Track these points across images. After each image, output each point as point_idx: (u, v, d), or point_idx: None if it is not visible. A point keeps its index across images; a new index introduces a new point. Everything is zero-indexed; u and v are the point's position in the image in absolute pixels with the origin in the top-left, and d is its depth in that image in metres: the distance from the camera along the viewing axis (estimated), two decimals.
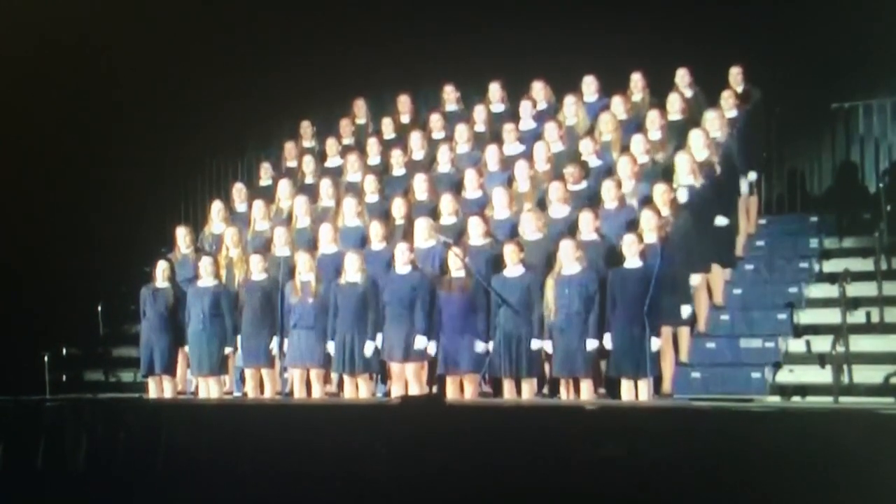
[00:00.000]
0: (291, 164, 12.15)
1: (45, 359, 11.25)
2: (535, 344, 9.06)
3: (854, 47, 11.29)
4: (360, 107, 12.52)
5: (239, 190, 11.86)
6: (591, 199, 9.80)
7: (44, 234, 12.64)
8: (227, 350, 10.19)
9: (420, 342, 9.39)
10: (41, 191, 12.80)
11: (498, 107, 11.63)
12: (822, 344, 9.15)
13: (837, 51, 11.39)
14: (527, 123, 11.17)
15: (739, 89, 10.98)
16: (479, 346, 9.25)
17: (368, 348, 9.55)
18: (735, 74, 11.04)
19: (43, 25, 12.62)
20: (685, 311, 9.14)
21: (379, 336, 9.55)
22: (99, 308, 12.29)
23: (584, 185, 10.04)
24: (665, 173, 9.84)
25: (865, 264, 10.05)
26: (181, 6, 13.15)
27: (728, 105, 10.73)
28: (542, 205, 9.96)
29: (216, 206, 11.41)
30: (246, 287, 10.20)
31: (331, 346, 9.70)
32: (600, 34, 11.71)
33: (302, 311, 9.80)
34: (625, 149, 10.22)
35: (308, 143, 12.44)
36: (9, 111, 12.27)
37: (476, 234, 9.68)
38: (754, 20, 11.55)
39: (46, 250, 12.57)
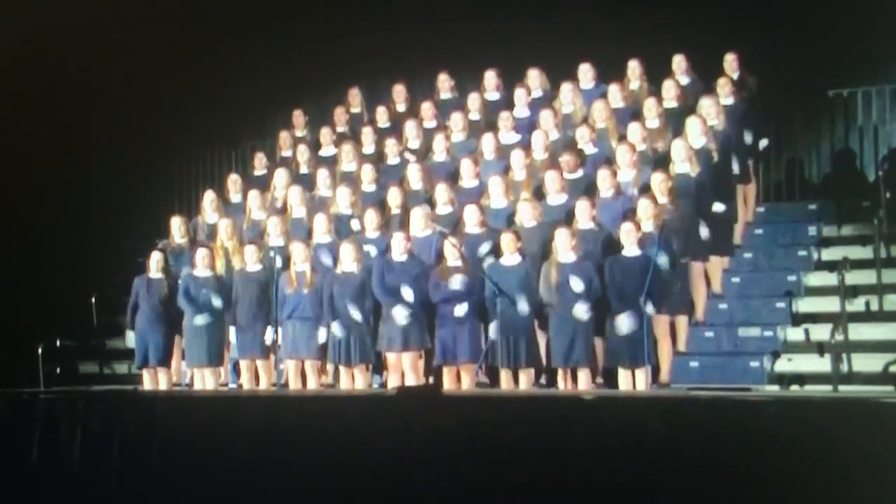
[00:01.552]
0: (286, 153, 12.08)
1: (39, 351, 11.20)
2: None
3: (852, 34, 11.23)
4: (354, 95, 12.46)
5: (234, 181, 11.77)
6: (588, 188, 9.74)
7: (37, 225, 12.56)
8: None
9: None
10: (34, 181, 12.72)
11: (493, 95, 11.56)
12: (820, 332, 9.13)
13: (835, 37, 11.32)
14: (521, 111, 11.10)
15: (735, 76, 10.89)
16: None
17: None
18: (730, 61, 10.94)
19: (38, 16, 12.54)
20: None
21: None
22: (93, 299, 12.22)
23: (580, 173, 9.97)
24: (662, 161, 9.79)
25: (864, 252, 10.02)
26: None
27: (724, 92, 10.65)
28: (538, 193, 9.91)
29: (209, 196, 11.33)
30: (241, 278, 10.14)
31: (326, 335, 9.64)
32: (597, 21, 11.64)
33: (297, 302, 9.74)
34: (621, 137, 10.15)
35: (300, 132, 12.37)
36: (1, 103, 12.19)
37: (472, 222, 9.62)
38: (752, 6, 11.47)
39: (40, 241, 12.50)
